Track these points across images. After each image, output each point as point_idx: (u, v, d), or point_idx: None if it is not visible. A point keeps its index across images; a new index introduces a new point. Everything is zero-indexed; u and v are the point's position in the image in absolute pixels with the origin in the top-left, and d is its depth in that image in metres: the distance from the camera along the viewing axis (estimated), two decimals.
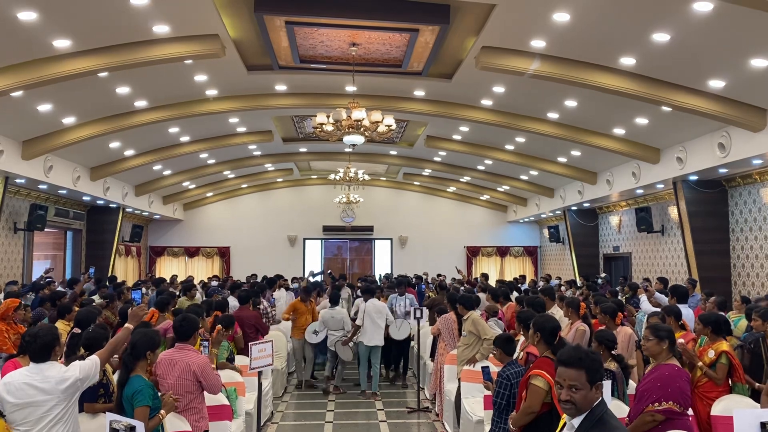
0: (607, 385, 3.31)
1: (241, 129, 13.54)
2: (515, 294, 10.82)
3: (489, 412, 5.87)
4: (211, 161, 16.25)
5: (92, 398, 4.41)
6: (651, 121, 10.24)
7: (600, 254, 17.77)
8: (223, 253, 21.67)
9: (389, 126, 8.83)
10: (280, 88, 10.88)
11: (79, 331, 5.45)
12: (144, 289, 11.94)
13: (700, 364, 5.24)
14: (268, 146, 15.56)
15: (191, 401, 4.50)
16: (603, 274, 15.26)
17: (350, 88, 10.11)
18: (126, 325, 4.19)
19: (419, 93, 11.05)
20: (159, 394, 4.07)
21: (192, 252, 21.49)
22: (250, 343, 5.25)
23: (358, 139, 9.04)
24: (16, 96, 8.73)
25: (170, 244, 21.42)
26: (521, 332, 5.58)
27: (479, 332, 6.92)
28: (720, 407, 4.91)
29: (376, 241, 22.50)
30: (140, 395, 3.80)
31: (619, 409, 4.65)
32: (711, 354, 5.25)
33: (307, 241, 22.31)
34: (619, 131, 11.26)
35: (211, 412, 5.02)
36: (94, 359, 3.89)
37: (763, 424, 2.40)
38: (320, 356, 10.51)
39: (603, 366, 2.73)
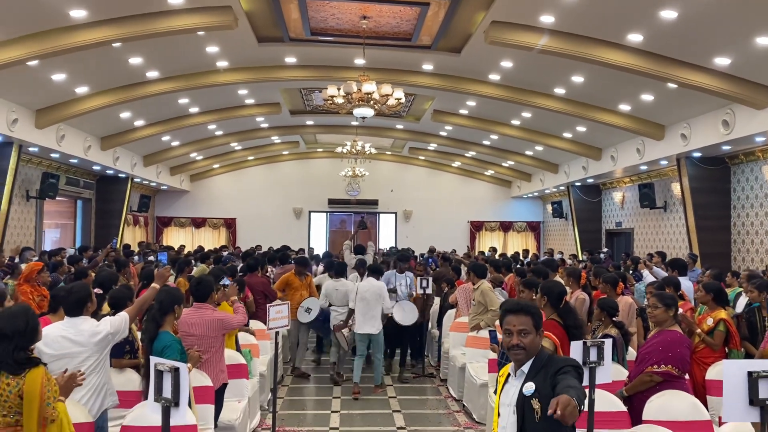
0: (608, 348, 3.51)
1: (250, 101, 13.65)
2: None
3: (493, 375, 6.14)
4: (219, 133, 16.39)
5: (119, 354, 4.65)
6: (656, 97, 10.35)
7: (602, 230, 17.96)
8: (230, 225, 21.90)
9: (399, 99, 8.98)
10: (290, 60, 10.98)
11: (101, 291, 5.68)
12: (153, 257, 12.19)
13: (698, 331, 5.46)
14: (275, 118, 15.70)
15: (212, 356, 4.76)
16: (605, 249, 15.47)
17: (359, 61, 10.24)
18: (152, 284, 4.42)
19: (428, 67, 11.15)
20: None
21: (199, 223, 21.73)
22: (268, 305, 5.49)
23: (368, 112, 9.20)
24: (32, 65, 8.87)
25: (177, 215, 21.65)
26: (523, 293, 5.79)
27: (486, 303, 7.17)
28: (715, 372, 5.13)
29: (380, 214, 22.70)
30: (169, 350, 4.03)
31: (618, 373, 4.88)
32: (709, 322, 5.46)
33: (312, 213, 22.52)
34: (624, 107, 11.37)
35: (229, 370, 5.28)
36: (123, 315, 4.12)
37: (749, 373, 2.61)
38: (325, 338, 9.33)
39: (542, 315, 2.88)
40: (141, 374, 4.68)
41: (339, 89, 8.90)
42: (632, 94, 10.48)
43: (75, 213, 16.10)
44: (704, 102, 9.86)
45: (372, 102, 8.95)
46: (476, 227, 22.39)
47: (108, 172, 15.51)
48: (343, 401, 7.52)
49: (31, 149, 11.91)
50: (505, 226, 22.49)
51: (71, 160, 13.60)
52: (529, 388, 2.57)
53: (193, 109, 13.51)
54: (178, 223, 21.67)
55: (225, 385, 4.99)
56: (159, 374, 2.61)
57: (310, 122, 16.67)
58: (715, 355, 5.38)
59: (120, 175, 15.97)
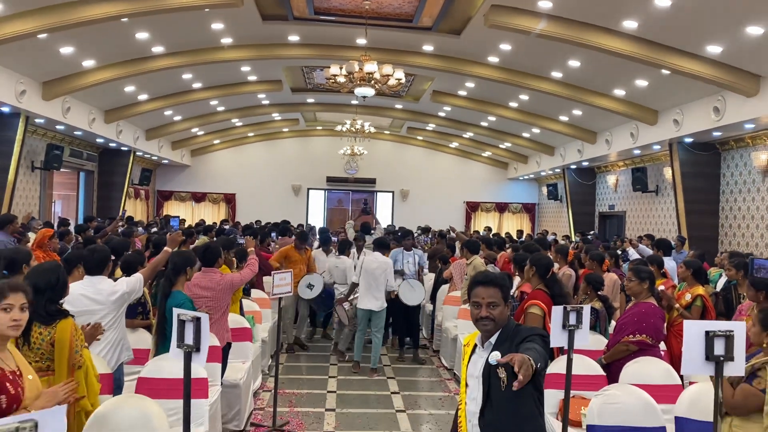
0: (586, 313, 3.81)
1: (252, 78, 13.86)
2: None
3: None
4: (221, 108, 16.60)
5: (132, 315, 4.96)
6: (650, 83, 10.59)
7: (596, 212, 18.29)
8: (229, 200, 22.17)
9: (399, 80, 9.22)
10: (293, 38, 11.18)
11: (113, 257, 5.99)
12: (155, 228, 12.50)
13: (677, 305, 5.79)
14: (276, 96, 15.91)
15: (220, 317, 5.09)
16: (593, 231, 15.83)
17: (361, 41, 10.45)
18: (165, 248, 4.73)
19: (428, 48, 11.35)
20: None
21: (199, 197, 21.99)
22: (272, 272, 5.80)
23: (369, 91, 9.44)
24: (41, 38, 9.06)
25: (178, 189, 21.90)
26: (516, 273, 6.12)
27: None
28: (683, 367, 5.46)
29: (378, 193, 22.97)
30: (182, 307, 4.33)
31: (599, 343, 5.23)
32: (688, 297, 5.81)
33: (310, 191, 22.80)
34: (619, 92, 11.62)
35: (234, 333, 5.61)
36: (138, 276, 4.43)
37: (707, 332, 2.92)
38: (321, 314, 9.42)
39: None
40: (152, 333, 5.01)
41: (341, 68, 9.12)
42: (627, 79, 10.73)
43: (78, 185, 16.35)
44: (696, 89, 10.11)
45: (373, 82, 9.19)
46: (472, 208, 22.70)
47: (111, 145, 15.73)
48: (340, 368, 7.87)
49: (37, 121, 12.11)
50: (501, 207, 22.81)
51: (75, 133, 13.81)
52: (495, 356, 2.49)
53: (196, 85, 13.71)
54: (179, 198, 21.93)
55: (229, 344, 5.32)
56: (181, 323, 2.91)
57: (310, 100, 16.88)
58: None
59: (123, 148, 16.19)
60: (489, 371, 2.55)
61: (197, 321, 2.86)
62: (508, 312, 2.73)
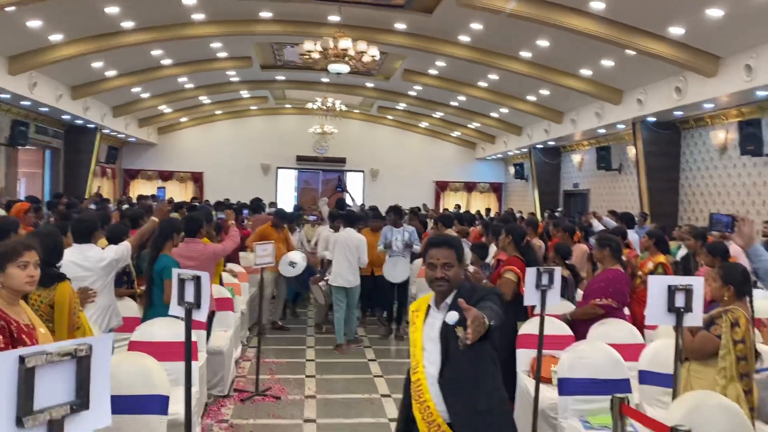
0: (557, 274, 4.08)
1: (222, 54, 13.78)
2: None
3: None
4: (189, 86, 16.47)
5: (118, 284, 5.04)
6: (616, 63, 10.91)
7: (560, 191, 18.75)
8: (197, 178, 22.01)
9: (373, 57, 9.34)
10: (265, 14, 11.17)
11: None
12: (126, 205, 12.43)
13: (640, 273, 6.12)
14: (246, 72, 15.85)
15: None
16: (559, 208, 16.27)
17: (334, 18, 10.51)
18: (152, 218, 4.84)
19: (400, 26, 11.47)
20: None
21: (166, 176, 21.78)
22: (255, 243, 5.94)
23: (343, 68, 9.54)
24: (8, 11, 8.89)
25: (145, 168, 21.66)
26: (492, 241, 6.41)
27: None
28: (647, 318, 5.80)
29: (348, 173, 23.06)
30: (168, 270, 4.44)
31: (567, 308, 5.51)
32: (650, 265, 6.14)
33: (280, 170, 22.78)
34: (586, 72, 11.93)
35: (217, 303, 5.74)
36: (126, 244, 4.54)
37: (669, 286, 3.19)
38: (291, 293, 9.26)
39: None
40: (138, 302, 5.13)
41: (316, 44, 9.20)
42: (593, 59, 11.02)
43: (44, 163, 16.07)
44: (659, 69, 10.45)
45: (347, 58, 9.29)
46: (441, 187, 23.00)
47: (77, 122, 15.48)
48: (317, 339, 8.07)
49: (2, 96, 11.88)
50: (469, 187, 23.16)
51: (41, 109, 13.57)
52: (452, 317, 2.46)
53: (165, 61, 13.58)
54: (146, 176, 21.69)
55: (213, 313, 5.45)
56: (181, 282, 3.05)
57: (280, 77, 16.85)
58: None
59: (89, 125, 15.94)
60: (446, 331, 2.53)
61: (197, 279, 3.01)
62: (462, 273, 2.73)
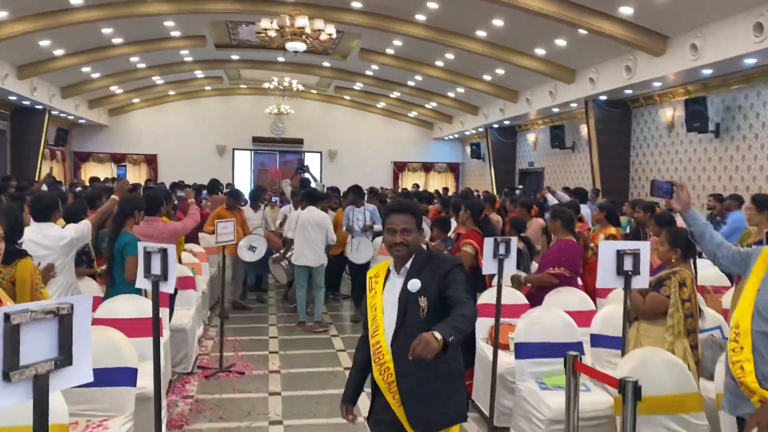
0: (513, 244, 4.25)
1: (175, 33, 13.52)
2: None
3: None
4: (141, 65, 16.09)
5: (77, 263, 5.00)
6: (569, 43, 11.14)
7: (516, 170, 19.11)
8: (150, 161, 21.61)
9: (330, 35, 9.33)
10: None
11: None
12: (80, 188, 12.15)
13: (592, 245, 6.36)
14: (200, 52, 15.59)
15: None
16: (520, 186, 16.61)
17: None
18: (112, 196, 4.80)
19: (356, 4, 11.44)
20: None
21: (118, 158, 21.29)
22: (216, 221, 5.94)
23: (300, 46, 9.52)
24: None
25: (96, 150, 21.13)
26: (453, 216, 6.58)
27: None
28: (597, 282, 6.06)
29: (305, 153, 22.97)
30: (130, 246, 4.45)
31: None
32: (601, 237, 6.39)
33: (236, 151, 22.54)
34: (540, 52, 12.16)
35: (179, 282, 5.72)
36: (86, 223, 4.51)
37: (618, 251, 3.38)
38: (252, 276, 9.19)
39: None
40: (98, 281, 5.10)
41: (272, 22, 9.14)
42: (547, 39, 11.24)
43: None
44: (610, 48, 10.72)
45: (304, 36, 9.26)
46: (399, 167, 23.15)
47: (24, 103, 14.98)
48: (279, 317, 8.13)
49: None
50: (427, 167, 23.37)
51: None
52: (415, 284, 2.55)
53: (117, 40, 13.24)
54: (97, 159, 21.17)
55: (176, 291, 5.43)
56: (147, 255, 3.08)
57: (235, 57, 16.63)
58: None
59: (37, 106, 15.45)
60: (407, 298, 2.57)
61: (164, 252, 3.04)
62: (421, 238, 2.75)
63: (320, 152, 22.92)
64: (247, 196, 9.41)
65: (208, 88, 21.09)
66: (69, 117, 18.08)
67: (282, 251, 7.96)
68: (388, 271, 2.73)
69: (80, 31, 11.78)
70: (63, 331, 1.52)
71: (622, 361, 3.33)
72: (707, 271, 5.46)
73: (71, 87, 16.23)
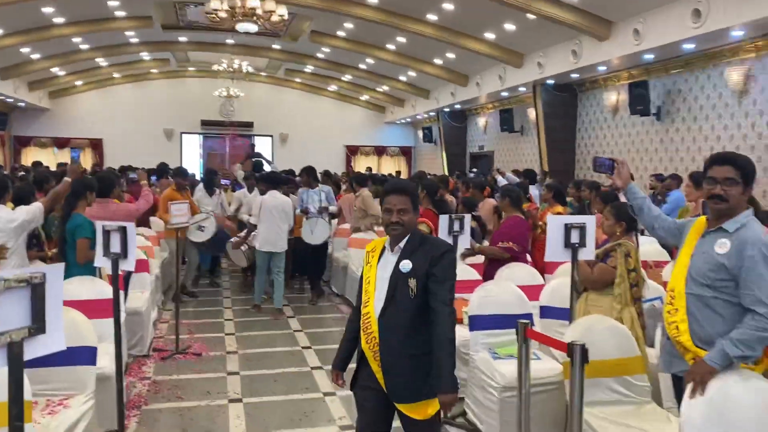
0: (467, 221, 4.41)
1: (120, 13, 13.15)
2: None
3: None
4: (84, 47, 15.59)
5: (28, 247, 4.91)
6: (517, 27, 11.35)
7: (467, 153, 19.40)
8: (96, 145, 21.00)
9: (282, 16, 9.26)
10: None
11: None
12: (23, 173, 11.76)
13: (540, 223, 6.60)
14: (146, 33, 15.20)
15: None
16: (474, 170, 16.89)
17: None
18: (65, 179, 4.72)
19: None
20: None
21: (62, 143, 20.61)
22: (169, 203, 5.89)
23: (251, 27, 9.44)
24: None
25: (37, 134, 20.39)
26: None
27: (367, 208, 7.99)
28: (546, 255, 6.30)
29: (256, 137, 22.72)
30: (81, 228, 4.40)
31: (475, 259, 5.91)
32: (549, 215, 6.62)
33: (184, 135, 22.13)
34: (489, 36, 12.35)
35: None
36: (38, 205, 4.43)
37: (565, 225, 3.56)
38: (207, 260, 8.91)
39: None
40: (48, 264, 5.01)
41: (223, 3, 9.02)
42: (496, 23, 11.43)
43: None
44: (557, 33, 10.99)
45: (255, 18, 9.17)
46: (352, 151, 23.16)
47: None
48: (234, 300, 8.13)
49: None
50: (379, 151, 23.46)
51: None
52: (406, 266, 2.71)
53: (58, 20, 12.80)
54: (39, 144, 20.44)
55: (130, 274, 5.41)
56: (106, 233, 3.07)
57: (183, 39, 16.28)
58: None
59: None
60: (397, 277, 2.72)
61: (123, 230, 3.04)
62: (416, 218, 2.86)
63: (271, 135, 22.71)
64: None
65: (155, 70, 20.58)
66: (8, 100, 17.39)
67: (242, 236, 7.84)
68: (384, 248, 2.86)
69: (18, 9, 11.34)
70: (36, 299, 1.55)
71: (569, 329, 3.52)
72: (648, 247, 5.75)
73: (10, 68, 15.60)
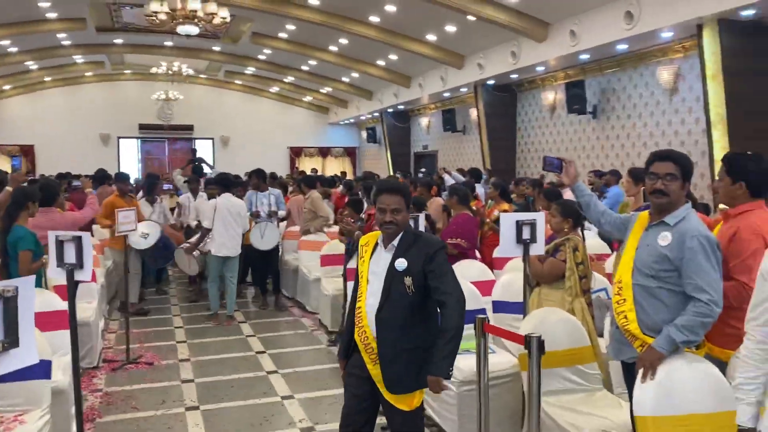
0: (421, 220, 4.51)
1: (52, 15, 12.70)
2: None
3: (326, 269, 7.04)
4: (13, 50, 14.96)
5: None
6: (458, 29, 11.57)
7: (411, 153, 19.61)
8: (27, 152, 20.17)
9: (224, 18, 9.16)
10: None
11: None
12: None
13: (487, 220, 6.77)
14: (79, 35, 14.70)
15: None
16: (423, 170, 17.09)
17: None
18: (6, 187, 4.55)
19: None
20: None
21: None
22: (116, 210, 5.73)
23: (192, 29, 9.29)
24: None
25: None
26: (365, 198, 6.79)
27: (316, 209, 7.99)
28: (498, 252, 6.47)
29: (196, 140, 22.31)
30: (23, 241, 4.26)
31: None
32: (496, 213, 6.80)
33: (121, 140, 21.53)
34: (431, 37, 12.54)
35: None
36: None
37: (517, 222, 3.70)
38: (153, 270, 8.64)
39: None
40: None
41: (162, 4, 8.84)
42: (438, 24, 11.61)
43: None
44: (497, 34, 11.26)
45: (196, 20, 9.04)
46: (296, 153, 23.05)
47: None
48: (182, 307, 7.99)
49: None
50: (324, 152, 23.43)
51: None
52: (402, 264, 2.80)
53: None
54: None
55: (76, 284, 5.25)
56: (60, 244, 3.00)
57: (118, 41, 15.83)
58: (499, 239, 6.71)
59: None
60: (392, 275, 2.82)
61: (78, 240, 2.97)
62: (409, 217, 2.96)
63: (212, 138, 22.36)
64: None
65: (89, 74, 19.94)
66: None
67: (193, 241, 7.50)
68: (377, 243, 2.95)
69: None
70: (8, 313, 1.53)
71: (524, 322, 3.65)
72: (591, 241, 5.99)
73: None
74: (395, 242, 2.88)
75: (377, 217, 2.92)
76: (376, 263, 2.92)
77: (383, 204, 2.87)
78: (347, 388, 2.99)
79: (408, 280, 2.79)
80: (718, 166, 7.93)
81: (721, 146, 8.02)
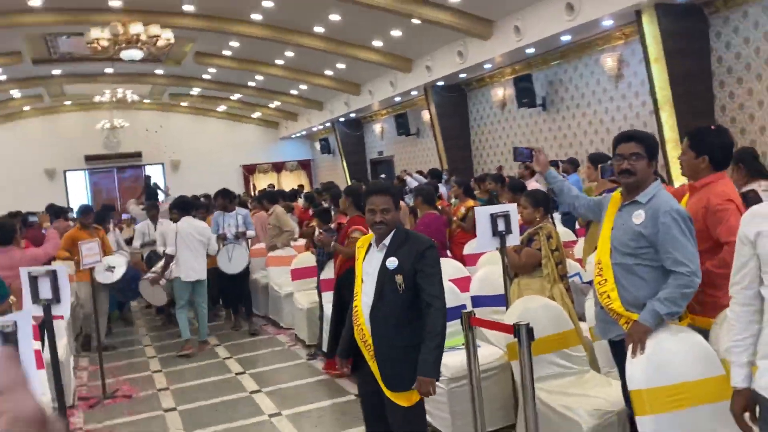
0: None
1: None
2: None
3: (297, 282, 6.98)
4: None
5: None
6: (404, 33, 11.67)
7: (367, 160, 19.64)
8: None
9: (168, 40, 9.03)
10: (34, 3, 10.15)
11: None
12: None
13: (454, 218, 6.84)
14: (15, 69, 14.31)
15: None
16: (382, 176, 17.14)
17: (115, 3, 9.90)
18: None
19: (188, 7, 11.10)
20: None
21: None
22: (79, 242, 5.57)
23: (137, 54, 9.14)
24: None
25: None
26: (333, 208, 6.78)
27: (281, 224, 7.92)
28: (468, 248, 6.55)
29: (146, 167, 21.87)
30: None
31: None
32: (462, 210, 6.87)
33: (68, 173, 20.95)
34: (377, 43, 12.62)
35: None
36: None
37: (491, 215, 3.75)
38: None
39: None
40: None
41: (103, 31, 8.66)
42: (383, 30, 11.69)
43: None
44: (442, 36, 11.40)
45: (140, 44, 8.89)
46: (249, 170, 22.83)
47: None
48: (152, 336, 7.80)
49: None
50: (278, 167, 23.27)
51: None
52: (393, 263, 2.86)
53: None
54: None
55: (44, 321, 5.08)
56: (33, 280, 2.89)
57: (56, 72, 15.44)
58: (468, 236, 6.79)
59: None
60: (384, 274, 2.88)
61: (53, 274, 2.88)
62: (398, 216, 3.03)
63: (162, 164, 21.96)
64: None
65: (26, 108, 19.36)
66: None
67: (157, 270, 7.12)
68: (370, 244, 3.05)
69: None
70: None
71: (508, 312, 3.69)
72: (559, 229, 6.11)
73: None
74: (386, 241, 2.95)
75: (368, 218, 3.00)
76: (369, 263, 3.00)
77: (373, 205, 2.94)
78: (359, 386, 3.18)
79: (399, 279, 2.85)
80: (669, 146, 8.26)
81: (669, 126, 8.30)
